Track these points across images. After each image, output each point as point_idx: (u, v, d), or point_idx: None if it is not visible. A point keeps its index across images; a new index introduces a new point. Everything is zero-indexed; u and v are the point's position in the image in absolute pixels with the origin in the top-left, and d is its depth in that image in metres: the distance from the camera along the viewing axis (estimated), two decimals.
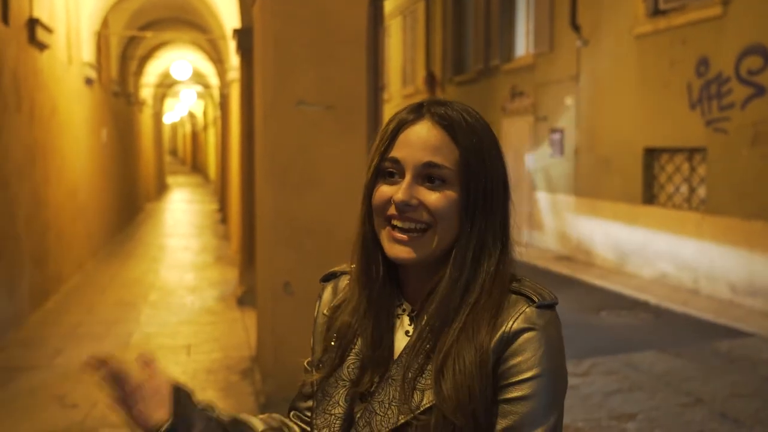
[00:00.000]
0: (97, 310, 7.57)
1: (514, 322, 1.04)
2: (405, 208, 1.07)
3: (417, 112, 1.11)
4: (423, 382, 1.06)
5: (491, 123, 1.16)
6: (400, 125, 1.11)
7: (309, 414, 1.27)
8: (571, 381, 4.77)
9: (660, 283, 9.20)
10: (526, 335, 1.03)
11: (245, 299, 7.62)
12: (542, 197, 12.54)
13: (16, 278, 6.64)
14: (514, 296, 1.08)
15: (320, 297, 1.31)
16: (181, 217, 18.40)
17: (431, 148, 1.07)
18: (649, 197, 9.72)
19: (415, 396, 1.06)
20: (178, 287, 8.90)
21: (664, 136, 9.34)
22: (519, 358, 1.02)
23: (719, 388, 5.30)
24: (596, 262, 10.74)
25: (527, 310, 1.05)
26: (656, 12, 9.43)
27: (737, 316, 7.44)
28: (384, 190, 1.10)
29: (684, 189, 9.19)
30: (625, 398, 5.06)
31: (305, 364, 1.30)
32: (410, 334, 1.13)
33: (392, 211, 1.09)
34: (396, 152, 1.09)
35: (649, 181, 9.71)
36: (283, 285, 4.44)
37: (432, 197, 1.07)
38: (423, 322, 1.09)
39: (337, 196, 4.33)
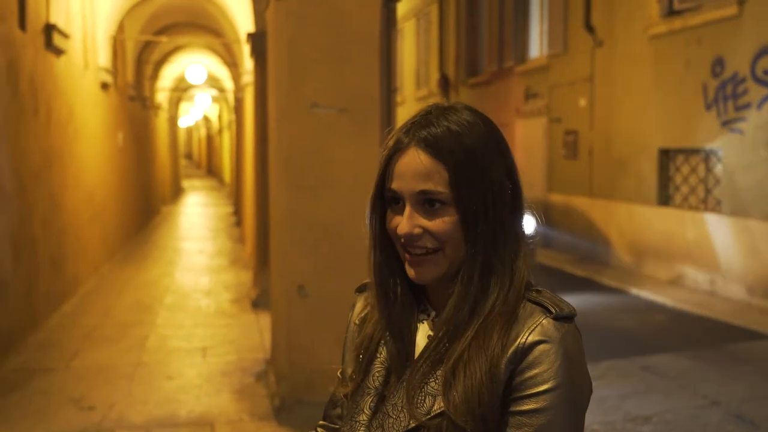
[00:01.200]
0: (113, 313, 7.62)
1: (529, 333, 1.03)
2: (410, 239, 1.09)
3: (405, 137, 1.11)
4: (434, 387, 1.07)
5: (505, 125, 1.15)
6: (391, 154, 1.12)
7: (338, 421, 1.31)
8: None
9: (677, 284, 9.14)
10: (541, 347, 1.02)
11: (260, 302, 7.65)
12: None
13: (34, 281, 6.70)
14: (530, 305, 1.07)
15: (353, 307, 1.33)
16: (197, 220, 18.50)
17: (421, 176, 1.07)
18: (665, 198, 9.66)
19: (426, 401, 1.06)
20: (194, 290, 8.95)
21: (679, 137, 9.28)
22: (535, 371, 1.01)
23: (736, 390, 5.26)
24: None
25: (544, 321, 1.04)
26: (671, 12, 9.38)
27: (754, 318, 7.37)
28: (395, 221, 1.12)
29: (700, 190, 9.12)
30: (641, 401, 5.03)
31: (338, 374, 1.32)
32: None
33: (404, 241, 1.11)
34: (393, 184, 1.11)
35: (665, 182, 9.66)
36: (297, 287, 4.45)
37: (433, 224, 1.08)
38: (438, 330, 1.10)
39: (352, 198, 4.34)
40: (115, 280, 9.64)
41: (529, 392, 1.01)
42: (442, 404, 1.04)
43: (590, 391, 1.08)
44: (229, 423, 4.57)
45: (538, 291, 1.10)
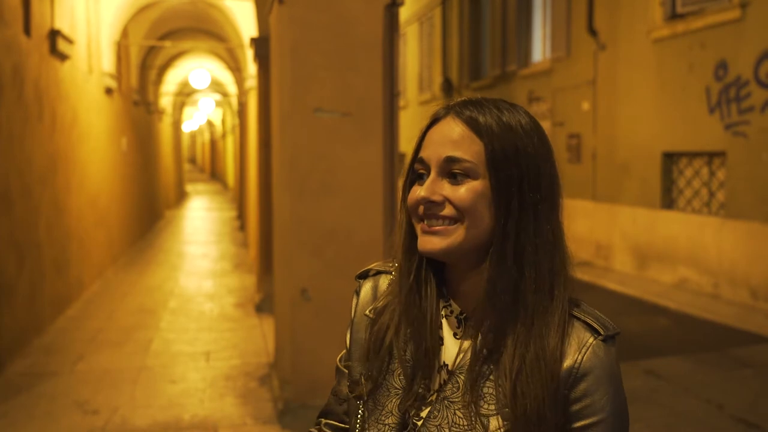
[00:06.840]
0: (117, 317, 7.64)
1: (581, 356, 1.02)
2: (428, 204, 1.05)
3: (444, 110, 1.10)
4: (485, 407, 1.03)
5: None
6: (428, 126, 1.10)
7: (347, 418, 1.24)
8: None
9: (680, 288, 9.13)
10: (595, 375, 1.01)
11: (263, 306, 7.67)
12: None
13: (38, 285, 6.72)
14: (574, 321, 1.05)
15: (357, 294, 1.25)
16: (200, 224, 18.52)
17: (451, 142, 1.04)
18: (668, 202, 9.65)
19: (480, 422, 1.03)
20: (197, 294, 8.96)
21: (682, 141, 9.28)
22: (588, 401, 1.01)
23: (740, 394, 5.25)
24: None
25: (594, 344, 1.03)
26: (674, 16, 9.38)
27: (758, 322, 7.36)
28: (414, 191, 1.08)
29: (704, 193, 9.11)
30: (645, 404, 5.02)
31: (341, 366, 1.26)
32: (458, 336, 1.10)
33: (422, 210, 1.07)
34: (422, 152, 1.08)
35: (668, 185, 9.65)
36: (301, 291, 4.46)
37: (455, 192, 1.03)
38: (478, 340, 1.05)
39: (356, 202, 4.35)
40: (119, 284, 9.66)
41: (584, 423, 1.01)
42: (498, 424, 1.02)
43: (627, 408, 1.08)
44: (232, 427, 4.58)
45: (577, 304, 1.07)
